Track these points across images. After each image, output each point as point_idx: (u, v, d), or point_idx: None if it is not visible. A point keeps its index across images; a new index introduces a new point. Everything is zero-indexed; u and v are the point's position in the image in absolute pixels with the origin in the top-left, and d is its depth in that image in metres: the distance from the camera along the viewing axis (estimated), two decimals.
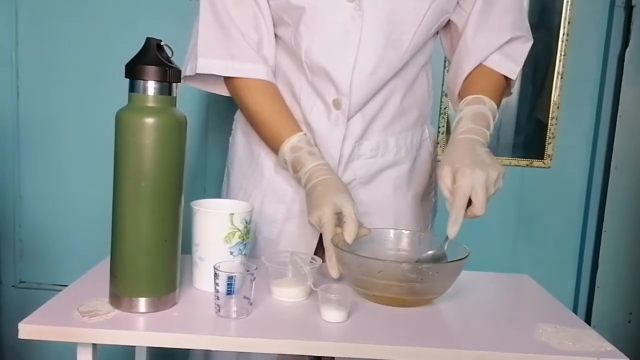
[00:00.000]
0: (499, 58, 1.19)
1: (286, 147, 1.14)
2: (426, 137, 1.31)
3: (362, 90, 1.15)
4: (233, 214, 0.97)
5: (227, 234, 0.97)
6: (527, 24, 1.23)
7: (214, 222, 0.97)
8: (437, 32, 1.24)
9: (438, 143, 1.44)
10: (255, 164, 1.26)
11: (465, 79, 1.21)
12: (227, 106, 1.95)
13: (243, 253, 0.99)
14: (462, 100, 1.17)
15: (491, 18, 1.18)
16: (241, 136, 1.31)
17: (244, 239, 0.99)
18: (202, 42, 1.16)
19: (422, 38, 1.17)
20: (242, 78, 1.17)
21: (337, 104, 1.16)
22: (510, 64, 1.20)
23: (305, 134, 1.16)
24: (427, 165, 1.31)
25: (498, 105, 1.19)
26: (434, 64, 1.31)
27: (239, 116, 1.33)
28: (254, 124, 1.21)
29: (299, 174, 1.12)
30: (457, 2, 1.18)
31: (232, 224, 0.97)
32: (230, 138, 1.36)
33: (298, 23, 1.14)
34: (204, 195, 1.93)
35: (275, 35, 1.20)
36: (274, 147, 1.17)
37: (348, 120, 1.17)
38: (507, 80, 1.23)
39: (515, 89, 1.82)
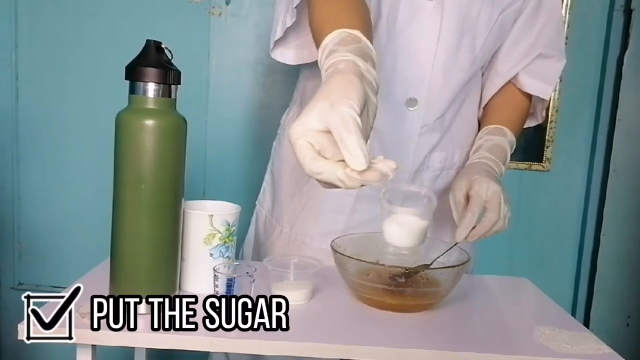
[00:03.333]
0: (531, 80, 1.20)
1: (340, 31, 0.82)
2: None
3: (437, 91, 1.12)
4: (212, 216, 0.96)
5: (206, 235, 0.96)
6: (563, 45, 1.23)
7: (193, 223, 0.96)
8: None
9: None
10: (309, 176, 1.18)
11: (494, 95, 1.22)
12: (227, 108, 1.95)
13: (225, 256, 0.98)
14: (484, 128, 1.19)
15: (531, 34, 1.18)
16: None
17: (226, 242, 0.98)
18: None
19: (491, 45, 1.16)
20: None
21: (412, 103, 1.12)
22: (542, 84, 1.21)
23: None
24: None
25: (520, 133, 1.22)
26: None
27: (289, 121, 1.28)
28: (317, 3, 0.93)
29: (338, 53, 0.78)
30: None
31: (212, 226, 0.96)
32: (275, 143, 1.32)
33: (374, 26, 1.08)
34: (204, 197, 1.94)
35: None
36: (328, 29, 0.84)
37: (425, 126, 1.14)
38: (530, 102, 1.24)
39: None
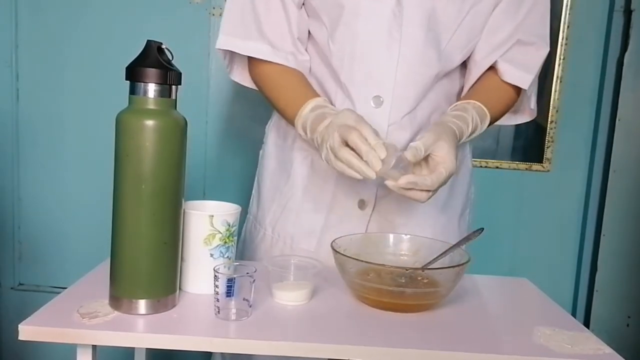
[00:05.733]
0: (510, 68, 1.16)
1: (308, 107, 1.09)
2: (467, 153, 1.28)
3: (404, 88, 1.12)
4: (213, 216, 0.96)
5: (207, 235, 0.96)
6: (547, 33, 1.19)
7: (194, 223, 0.96)
8: None
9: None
10: (288, 176, 1.23)
11: (473, 85, 1.19)
12: (227, 109, 1.96)
13: (225, 256, 0.98)
14: (453, 105, 1.14)
15: (513, 20, 1.15)
16: (273, 149, 1.28)
17: (226, 242, 0.98)
18: (232, 21, 1.16)
19: (462, 40, 1.14)
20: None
21: (377, 101, 1.12)
22: (521, 72, 1.16)
23: (325, 99, 1.12)
24: (465, 183, 1.28)
25: (495, 119, 1.16)
26: None
27: (270, 128, 1.31)
28: (273, 89, 1.18)
29: (321, 126, 1.05)
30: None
31: (212, 226, 0.96)
32: (261, 152, 1.34)
33: (336, 23, 1.12)
34: (204, 197, 1.94)
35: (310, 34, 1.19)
36: (293, 112, 1.11)
37: (393, 124, 1.13)
38: (518, 93, 1.20)
39: None
